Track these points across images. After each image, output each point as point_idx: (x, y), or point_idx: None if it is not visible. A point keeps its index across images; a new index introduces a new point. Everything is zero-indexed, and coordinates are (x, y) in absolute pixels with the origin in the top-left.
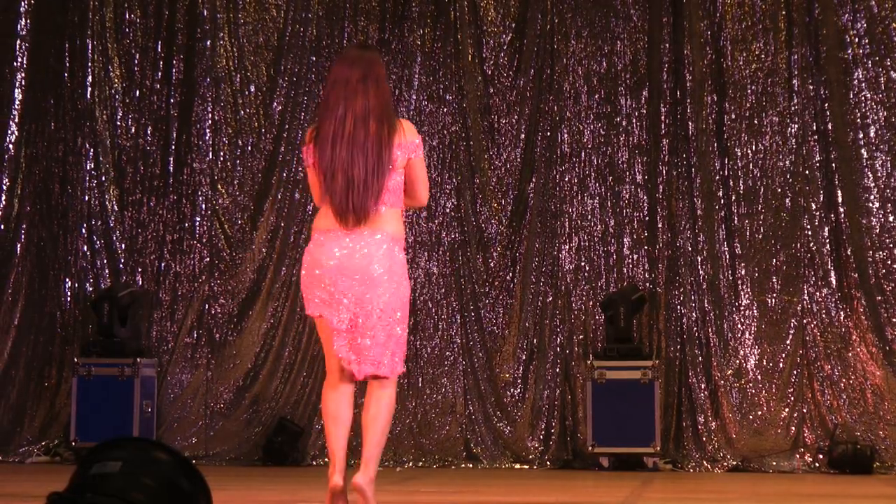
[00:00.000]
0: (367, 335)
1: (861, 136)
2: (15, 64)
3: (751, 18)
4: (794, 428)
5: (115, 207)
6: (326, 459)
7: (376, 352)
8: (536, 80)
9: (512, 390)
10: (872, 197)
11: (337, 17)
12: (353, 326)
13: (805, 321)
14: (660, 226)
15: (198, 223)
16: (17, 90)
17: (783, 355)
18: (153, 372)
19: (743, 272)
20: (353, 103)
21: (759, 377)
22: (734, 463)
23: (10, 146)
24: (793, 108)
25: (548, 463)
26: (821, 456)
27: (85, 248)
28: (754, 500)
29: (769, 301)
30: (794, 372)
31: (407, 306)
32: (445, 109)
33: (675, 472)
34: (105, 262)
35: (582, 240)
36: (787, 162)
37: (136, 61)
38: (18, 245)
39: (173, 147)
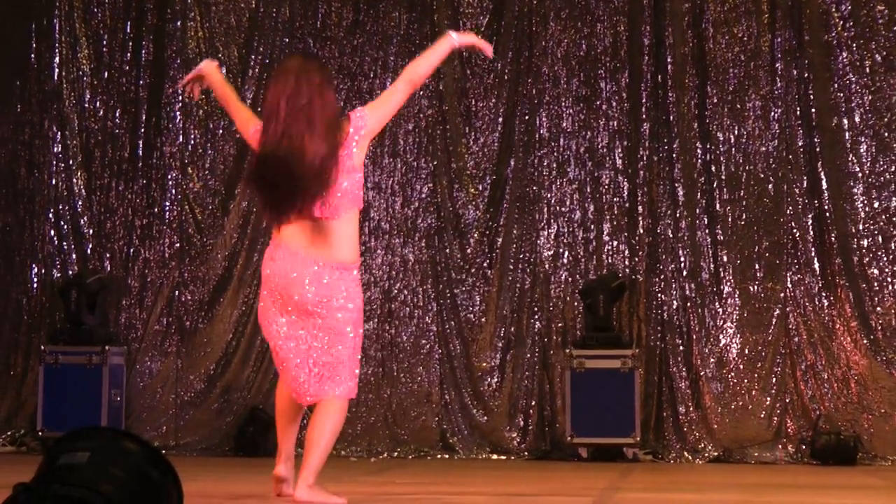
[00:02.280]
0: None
1: (845, 120)
2: None
3: (733, 0)
4: (776, 418)
5: (83, 192)
6: (300, 450)
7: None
8: (514, 62)
9: (489, 379)
10: (857, 182)
11: None
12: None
13: (788, 309)
14: (640, 212)
15: (167, 208)
16: None
17: (765, 344)
18: (122, 360)
19: (725, 259)
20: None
21: (741, 366)
22: (715, 454)
23: None
24: (776, 92)
25: (525, 453)
26: (803, 446)
27: (52, 233)
28: (735, 491)
29: (751, 289)
30: (777, 361)
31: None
32: (421, 93)
33: (656, 463)
34: (73, 247)
35: (561, 226)
36: (770, 147)
37: (105, 42)
38: None
39: (143, 130)
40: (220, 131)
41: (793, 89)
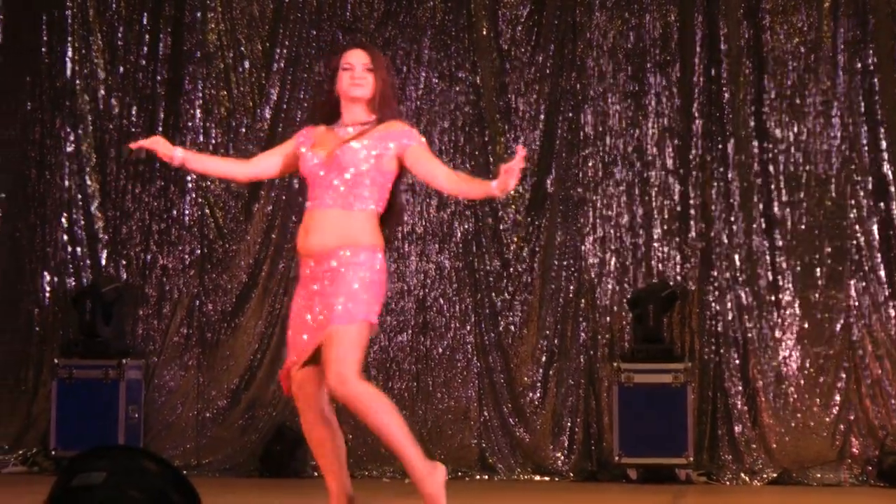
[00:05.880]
0: None
1: None
2: None
3: None
4: (840, 437)
5: (97, 195)
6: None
7: None
8: (557, 56)
9: (531, 395)
10: None
11: None
12: None
13: (852, 320)
14: (692, 215)
15: (187, 212)
16: None
17: (828, 357)
18: (140, 374)
19: (784, 266)
20: None
21: (802, 381)
22: (774, 475)
23: None
24: (838, 87)
25: (570, 474)
26: (869, 467)
27: (65, 238)
28: None
29: (812, 298)
30: (840, 375)
31: None
32: (458, 88)
33: (710, 485)
34: (87, 254)
35: (607, 231)
36: (832, 145)
37: (120, 35)
38: None
39: (160, 128)
40: (243, 129)
41: (857, 83)
